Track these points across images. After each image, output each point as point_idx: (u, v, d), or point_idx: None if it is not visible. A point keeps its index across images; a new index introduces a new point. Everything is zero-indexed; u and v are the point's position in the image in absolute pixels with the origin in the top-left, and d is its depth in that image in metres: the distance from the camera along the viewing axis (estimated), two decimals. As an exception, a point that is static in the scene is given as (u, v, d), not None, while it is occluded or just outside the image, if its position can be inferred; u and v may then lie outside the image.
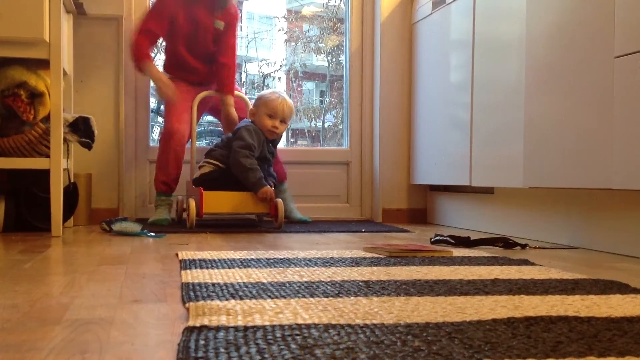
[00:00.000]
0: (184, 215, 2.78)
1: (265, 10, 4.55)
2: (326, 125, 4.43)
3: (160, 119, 3.93)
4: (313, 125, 4.45)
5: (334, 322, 0.94)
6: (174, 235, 2.44)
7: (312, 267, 1.55)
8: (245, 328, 0.90)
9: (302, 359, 0.75)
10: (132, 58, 2.87)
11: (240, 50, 4.20)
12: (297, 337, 0.85)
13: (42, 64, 2.45)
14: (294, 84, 4.49)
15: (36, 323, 0.98)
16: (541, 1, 2.20)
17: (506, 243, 2.11)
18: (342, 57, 3.75)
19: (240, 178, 2.65)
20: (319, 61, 4.55)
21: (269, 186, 2.66)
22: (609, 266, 1.71)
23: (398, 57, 3.36)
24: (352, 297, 1.16)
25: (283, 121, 2.80)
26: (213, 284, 1.27)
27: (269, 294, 1.18)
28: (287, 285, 1.28)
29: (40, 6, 2.29)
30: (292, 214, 3.03)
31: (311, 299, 1.14)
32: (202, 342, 0.82)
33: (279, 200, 2.68)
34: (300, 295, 1.17)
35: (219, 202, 2.64)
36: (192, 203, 2.63)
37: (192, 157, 2.99)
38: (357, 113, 3.48)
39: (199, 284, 1.26)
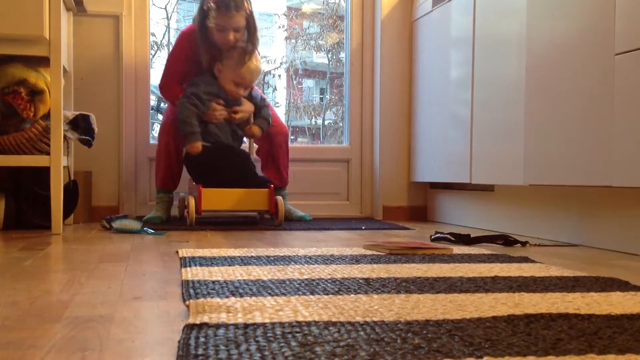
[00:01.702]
0: (186, 212, 2.77)
1: (265, 7, 4.54)
2: (326, 122, 4.43)
3: (160, 116, 3.93)
4: (313, 123, 4.45)
5: (334, 320, 0.94)
6: (174, 232, 2.44)
7: (312, 264, 1.55)
8: (246, 325, 0.90)
9: (302, 357, 0.75)
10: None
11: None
12: (297, 334, 0.85)
13: (42, 62, 2.45)
14: (294, 82, 4.49)
15: (36, 320, 0.98)
16: (541, -2, 2.20)
17: (506, 240, 2.11)
18: (342, 55, 3.75)
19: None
20: (319, 58, 4.55)
21: (200, 143, 2.66)
22: (609, 263, 1.71)
23: (398, 55, 3.36)
24: (352, 295, 1.16)
25: (248, 87, 2.78)
26: (213, 282, 1.27)
27: (269, 291, 1.18)
28: (287, 282, 1.28)
29: (40, 3, 2.29)
30: (292, 213, 3.02)
31: (311, 296, 1.14)
32: (202, 339, 0.82)
33: (279, 197, 2.68)
34: (300, 292, 1.17)
35: (218, 199, 2.64)
36: (192, 201, 2.61)
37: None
38: (357, 110, 3.48)
39: (199, 282, 1.26)
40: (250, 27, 2.78)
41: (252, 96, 2.86)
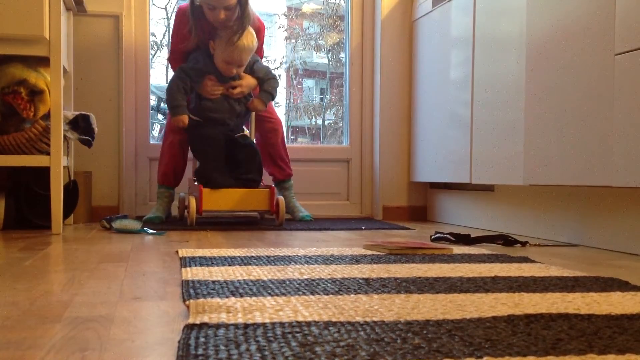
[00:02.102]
0: (186, 212, 2.75)
1: (266, 7, 4.54)
2: (326, 122, 4.43)
3: (160, 116, 3.92)
4: (313, 123, 4.45)
5: (334, 320, 0.94)
6: (174, 232, 2.44)
7: (313, 264, 1.55)
8: (246, 325, 0.90)
9: (303, 357, 0.75)
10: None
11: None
12: (298, 334, 0.85)
13: (42, 62, 2.45)
14: (294, 82, 4.49)
15: (36, 320, 0.98)
16: (541, -2, 2.20)
17: (506, 240, 2.11)
18: (343, 55, 3.74)
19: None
20: (319, 58, 4.55)
21: (186, 116, 2.69)
22: (609, 263, 1.71)
23: (398, 55, 3.36)
24: (352, 295, 1.16)
25: (240, 66, 2.74)
26: (213, 282, 1.27)
27: (269, 291, 1.18)
28: (288, 282, 1.28)
29: (40, 3, 2.29)
30: (295, 213, 3.01)
31: (311, 296, 1.14)
32: (202, 339, 0.82)
33: (280, 197, 2.67)
34: (300, 292, 1.17)
35: (219, 199, 2.62)
36: (193, 201, 2.60)
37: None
38: (357, 110, 3.48)
39: (199, 282, 1.26)
40: (242, 3, 2.71)
41: (255, 70, 2.81)
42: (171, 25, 4.20)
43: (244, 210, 2.77)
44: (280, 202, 2.64)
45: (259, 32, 2.86)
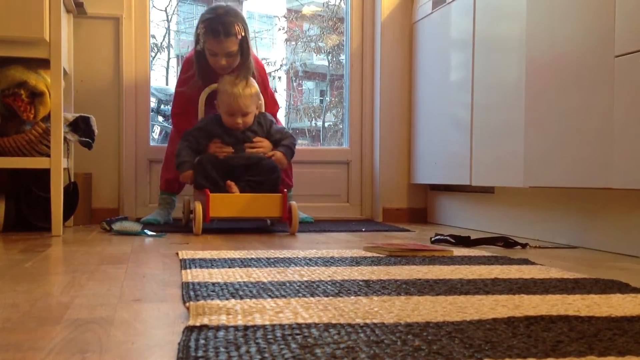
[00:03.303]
0: (192, 217, 2.58)
1: (266, 9, 4.56)
2: (326, 124, 4.43)
3: (160, 118, 3.93)
4: (313, 125, 4.45)
5: (334, 322, 0.94)
6: (175, 234, 2.43)
7: (313, 266, 1.55)
8: (246, 327, 0.90)
9: (303, 359, 0.75)
10: None
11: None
12: (298, 336, 0.85)
13: (43, 64, 2.45)
14: (294, 84, 4.50)
15: (36, 322, 0.98)
16: (541, 0, 2.20)
17: (506, 242, 2.11)
18: (342, 57, 3.75)
19: None
20: (319, 60, 4.55)
21: (191, 171, 2.59)
22: (609, 265, 1.71)
23: (398, 57, 3.36)
24: (352, 297, 1.16)
25: (245, 114, 2.62)
26: (213, 284, 1.27)
27: (269, 293, 1.18)
28: (288, 284, 1.28)
29: (41, 6, 2.29)
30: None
31: (311, 298, 1.14)
32: (202, 341, 0.82)
33: (293, 202, 2.52)
34: (300, 294, 1.17)
35: (227, 205, 2.45)
36: (199, 207, 2.44)
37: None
38: (357, 112, 3.48)
39: (199, 284, 1.26)
40: (244, 52, 2.69)
41: (272, 133, 2.71)
42: (171, 28, 4.20)
43: (254, 218, 2.62)
44: (294, 208, 2.47)
45: (258, 72, 2.80)
